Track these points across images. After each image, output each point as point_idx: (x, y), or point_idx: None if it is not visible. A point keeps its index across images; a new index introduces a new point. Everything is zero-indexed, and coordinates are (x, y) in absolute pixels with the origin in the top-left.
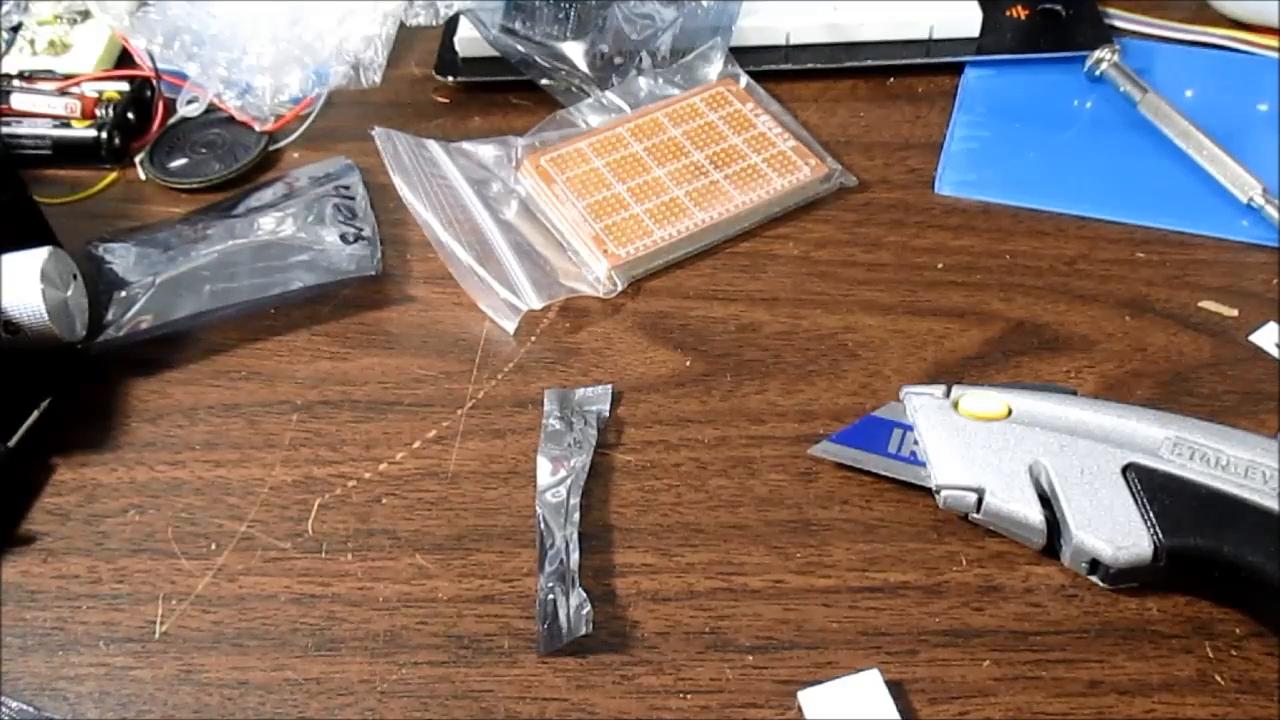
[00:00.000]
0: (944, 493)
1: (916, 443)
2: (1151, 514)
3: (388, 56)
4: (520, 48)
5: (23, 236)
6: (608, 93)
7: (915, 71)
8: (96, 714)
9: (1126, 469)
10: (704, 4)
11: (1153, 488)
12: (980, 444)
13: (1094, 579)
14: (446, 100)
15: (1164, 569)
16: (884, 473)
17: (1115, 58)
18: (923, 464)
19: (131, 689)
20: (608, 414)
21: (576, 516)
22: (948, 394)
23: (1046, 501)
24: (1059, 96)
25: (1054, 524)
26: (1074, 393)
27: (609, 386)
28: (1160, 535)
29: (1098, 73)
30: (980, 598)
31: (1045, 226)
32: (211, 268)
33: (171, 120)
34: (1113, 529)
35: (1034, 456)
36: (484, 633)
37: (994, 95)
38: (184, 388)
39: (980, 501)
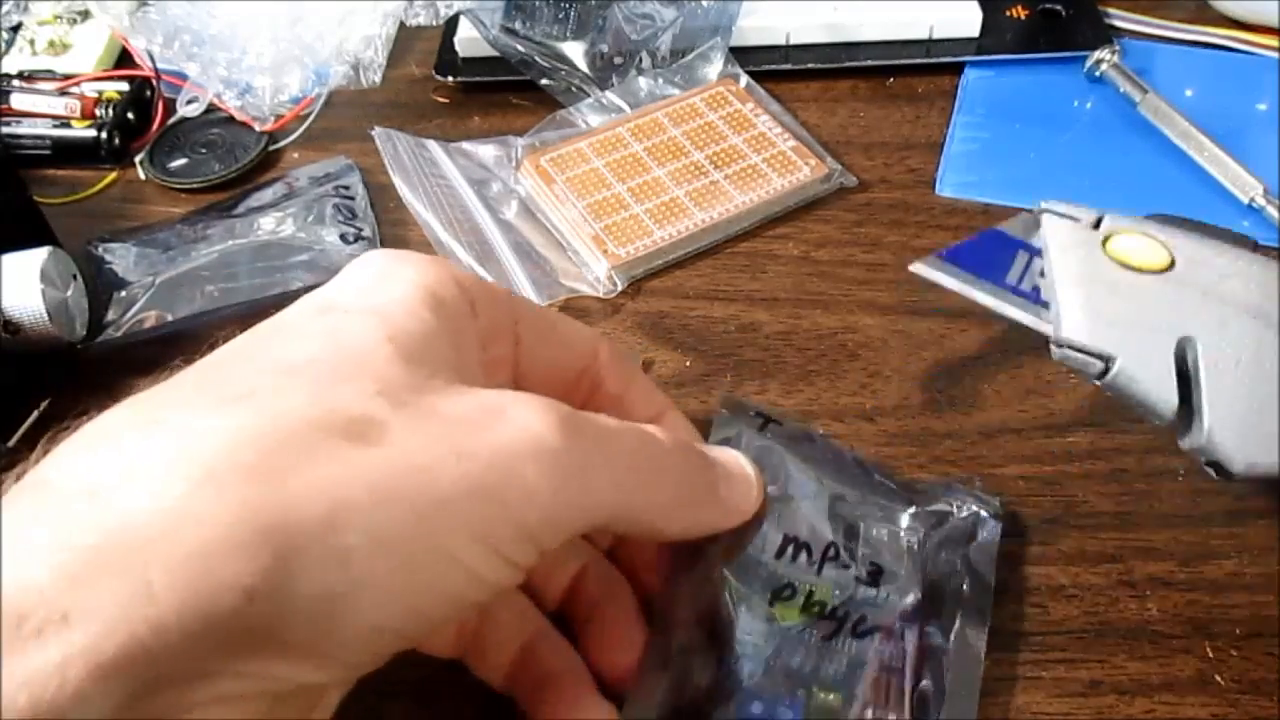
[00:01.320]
0: (1064, 350)
1: (1043, 274)
2: None
3: (388, 56)
4: (520, 48)
5: (23, 236)
6: (608, 93)
7: (915, 71)
8: None
9: None
10: (704, 4)
11: None
12: (1124, 299)
13: (1210, 471)
14: (446, 100)
15: None
16: (993, 308)
17: (1115, 58)
18: (1045, 305)
19: None
20: None
21: None
22: (1097, 225)
23: (1185, 378)
24: (1059, 97)
25: (1187, 405)
26: (1255, 245)
27: None
28: None
29: (1098, 73)
30: None
31: None
32: (211, 268)
33: (171, 120)
34: (1250, 437)
35: (1186, 330)
36: None
37: (994, 95)
38: None
39: (1106, 372)
